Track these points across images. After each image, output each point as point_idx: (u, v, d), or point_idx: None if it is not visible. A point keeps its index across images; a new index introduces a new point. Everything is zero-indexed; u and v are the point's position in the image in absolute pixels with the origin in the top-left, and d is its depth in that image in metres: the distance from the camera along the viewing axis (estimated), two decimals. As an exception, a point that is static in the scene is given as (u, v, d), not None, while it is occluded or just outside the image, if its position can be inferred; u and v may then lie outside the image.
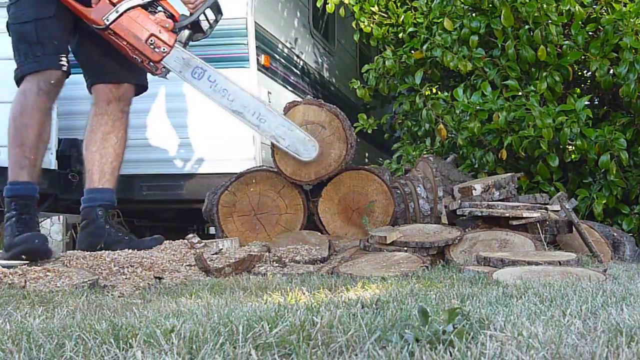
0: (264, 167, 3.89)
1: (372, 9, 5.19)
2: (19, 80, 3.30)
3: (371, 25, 5.21)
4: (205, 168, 4.80)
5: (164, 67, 3.43)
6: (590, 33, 4.42)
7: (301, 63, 5.86)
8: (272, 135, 3.54)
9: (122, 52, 3.40)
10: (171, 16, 3.40)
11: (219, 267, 2.88)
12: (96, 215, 3.40)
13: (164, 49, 3.35)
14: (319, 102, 3.74)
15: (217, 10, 3.46)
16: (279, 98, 4.95)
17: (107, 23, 3.29)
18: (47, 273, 2.61)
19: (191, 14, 3.43)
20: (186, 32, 3.43)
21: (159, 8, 3.39)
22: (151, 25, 3.33)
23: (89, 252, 3.05)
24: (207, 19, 3.44)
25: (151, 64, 3.41)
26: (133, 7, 3.32)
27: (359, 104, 6.23)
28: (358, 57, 7.72)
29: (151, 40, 3.33)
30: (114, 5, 3.30)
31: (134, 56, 3.41)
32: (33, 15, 3.28)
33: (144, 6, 3.35)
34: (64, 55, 3.36)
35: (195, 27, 3.44)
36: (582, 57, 4.40)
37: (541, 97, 4.30)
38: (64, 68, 3.32)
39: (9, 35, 3.38)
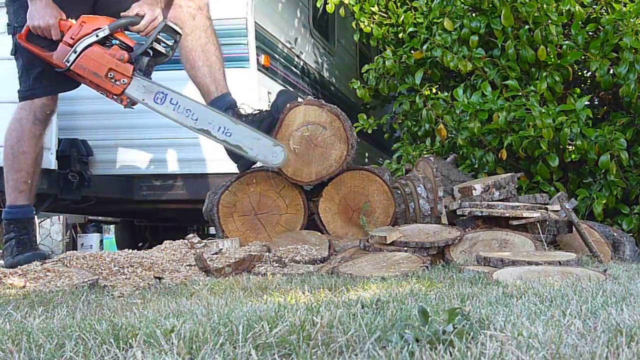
0: (265, 167, 3.89)
1: (372, 9, 5.19)
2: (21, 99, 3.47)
3: (371, 25, 5.21)
4: (206, 168, 4.80)
5: (128, 98, 3.47)
6: (590, 33, 4.41)
7: (301, 63, 5.86)
8: (239, 147, 3.51)
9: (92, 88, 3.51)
10: (127, 47, 3.44)
11: (219, 267, 2.88)
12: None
13: (123, 81, 3.40)
14: (319, 103, 3.74)
15: (174, 32, 3.47)
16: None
17: (68, 65, 3.39)
18: (47, 273, 2.62)
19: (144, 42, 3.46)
20: (145, 59, 3.45)
21: (114, 41, 3.44)
22: (108, 60, 3.39)
23: (89, 252, 3.06)
24: (163, 42, 3.46)
25: (114, 96, 3.47)
26: (89, 45, 3.38)
27: (359, 104, 6.23)
28: (358, 57, 7.72)
29: (110, 75, 3.39)
30: (72, 46, 3.38)
31: (100, 92, 3.49)
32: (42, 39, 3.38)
33: (100, 42, 3.41)
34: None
35: (154, 52, 3.46)
36: (582, 57, 4.40)
37: (541, 97, 4.30)
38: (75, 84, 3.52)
39: (15, 55, 3.46)
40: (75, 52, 3.38)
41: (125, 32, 3.50)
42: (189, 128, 3.50)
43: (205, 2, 3.71)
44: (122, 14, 3.46)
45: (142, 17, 3.41)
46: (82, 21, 3.42)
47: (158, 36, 3.40)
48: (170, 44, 3.48)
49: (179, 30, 3.47)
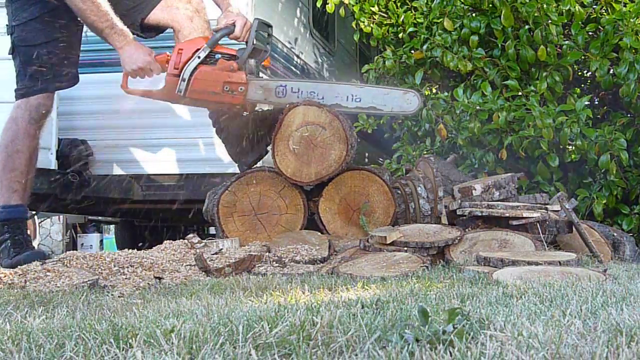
0: (265, 168, 3.89)
1: (372, 9, 5.18)
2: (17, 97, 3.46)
3: (371, 25, 5.21)
4: (206, 168, 4.80)
5: (250, 103, 3.54)
6: (590, 33, 4.41)
7: (301, 63, 5.86)
8: (373, 107, 3.63)
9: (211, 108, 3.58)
10: (231, 57, 3.48)
11: (219, 267, 2.87)
12: None
13: (241, 89, 3.45)
14: (319, 103, 3.73)
15: (266, 26, 3.55)
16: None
17: (181, 94, 3.43)
18: (47, 273, 2.62)
19: (246, 45, 3.50)
20: (252, 62, 3.50)
21: (217, 55, 3.47)
22: (219, 75, 3.43)
23: (89, 252, 3.06)
24: (261, 38, 3.53)
25: (238, 106, 3.52)
26: (196, 68, 3.42)
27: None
28: (358, 57, 7.72)
29: (226, 88, 3.44)
30: (178, 76, 3.40)
31: (221, 108, 3.55)
32: (43, 38, 3.37)
33: (204, 62, 3.44)
34: (71, 71, 3.50)
35: (256, 52, 3.53)
36: (582, 57, 4.40)
37: (541, 97, 4.30)
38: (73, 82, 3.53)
39: (12, 54, 3.46)
40: (184, 79, 3.41)
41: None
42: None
43: (202, 5, 3.72)
44: (213, 28, 3.54)
45: (234, 24, 3.47)
46: (179, 49, 3.45)
47: (255, 37, 3.46)
48: (266, 36, 3.53)
49: (269, 23, 3.56)
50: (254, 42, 3.47)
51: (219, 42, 3.51)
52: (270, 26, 3.59)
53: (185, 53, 3.43)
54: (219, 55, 3.47)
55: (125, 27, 3.37)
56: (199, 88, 3.42)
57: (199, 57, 3.42)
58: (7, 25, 3.53)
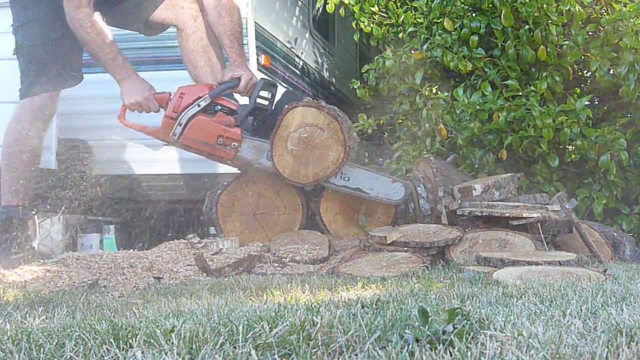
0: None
1: (372, 9, 5.19)
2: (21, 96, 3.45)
3: (371, 25, 5.21)
4: (206, 168, 4.79)
5: (240, 160, 3.55)
6: (590, 33, 4.41)
7: (301, 63, 5.85)
8: (359, 189, 3.63)
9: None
10: (230, 111, 3.50)
11: (219, 267, 2.88)
12: None
13: (234, 145, 3.47)
14: (317, 104, 3.73)
15: (271, 86, 3.57)
16: (279, 98, 4.94)
17: (175, 138, 3.45)
18: (47, 273, 2.61)
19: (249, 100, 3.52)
20: (250, 119, 3.54)
21: (217, 107, 3.49)
22: (215, 127, 3.45)
23: (89, 252, 3.07)
24: (264, 98, 3.54)
25: (228, 161, 3.54)
26: (194, 116, 3.43)
27: (359, 104, 6.23)
28: (358, 57, 7.72)
29: (220, 141, 3.45)
30: (175, 119, 3.42)
31: (211, 159, 3.56)
32: (45, 38, 3.38)
33: (203, 111, 3.46)
34: (74, 71, 3.53)
35: (257, 111, 3.55)
36: (582, 57, 4.39)
37: (541, 97, 4.29)
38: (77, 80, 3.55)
39: (16, 54, 3.47)
40: (180, 124, 3.43)
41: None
42: None
43: (240, 20, 3.73)
44: (219, 80, 3.53)
45: (239, 78, 3.48)
46: (181, 92, 3.46)
47: (259, 94, 3.47)
48: (269, 97, 3.54)
49: (275, 83, 3.58)
50: (256, 102, 3.49)
51: (222, 95, 3.52)
52: (275, 86, 3.61)
53: (186, 98, 3.44)
54: (220, 107, 3.49)
55: (126, 61, 3.39)
56: (192, 136, 3.44)
57: (199, 105, 3.44)
58: (12, 25, 3.54)
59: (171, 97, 3.46)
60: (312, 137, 3.64)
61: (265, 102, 3.58)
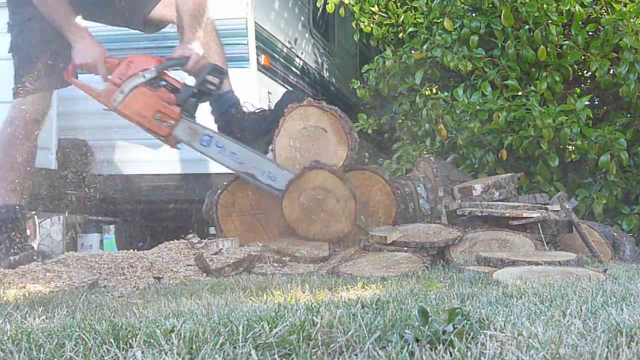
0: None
1: (372, 9, 5.19)
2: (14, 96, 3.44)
3: (371, 25, 5.21)
4: (206, 168, 4.80)
5: (174, 138, 3.51)
6: (590, 33, 4.41)
7: (301, 63, 5.85)
8: (284, 190, 3.57)
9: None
10: (174, 89, 3.47)
11: (219, 267, 2.88)
12: None
13: (170, 122, 3.44)
14: (319, 105, 3.73)
15: (219, 72, 3.51)
16: (279, 98, 4.94)
17: (115, 104, 3.41)
18: (47, 273, 2.62)
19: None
20: (192, 100, 3.49)
21: (162, 82, 3.46)
22: (155, 101, 3.41)
23: (89, 252, 3.07)
24: (210, 83, 3.49)
25: (161, 137, 3.50)
26: (136, 86, 3.40)
27: (359, 104, 6.23)
28: (358, 57, 7.72)
29: (157, 116, 3.42)
30: (119, 86, 3.39)
31: (146, 132, 3.52)
32: (39, 38, 3.37)
33: (147, 83, 3.43)
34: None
35: (200, 95, 3.51)
36: (582, 57, 4.40)
37: (541, 97, 4.30)
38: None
39: (11, 52, 3.46)
40: (122, 92, 3.40)
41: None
42: (233, 170, 3.57)
43: (206, 3, 3.72)
44: (167, 56, 3.51)
45: (188, 57, 3.45)
46: (130, 61, 3.44)
47: (206, 78, 3.44)
48: (216, 82, 3.51)
49: (224, 70, 3.52)
50: (201, 85, 3.46)
51: (168, 70, 3.50)
52: (224, 73, 3.56)
53: (133, 67, 3.42)
54: (164, 83, 3.47)
55: (81, 23, 3.36)
56: (131, 105, 3.42)
57: (144, 77, 3.41)
58: (7, 23, 3.54)
59: (120, 63, 3.45)
60: (314, 137, 3.64)
61: (213, 87, 3.51)
